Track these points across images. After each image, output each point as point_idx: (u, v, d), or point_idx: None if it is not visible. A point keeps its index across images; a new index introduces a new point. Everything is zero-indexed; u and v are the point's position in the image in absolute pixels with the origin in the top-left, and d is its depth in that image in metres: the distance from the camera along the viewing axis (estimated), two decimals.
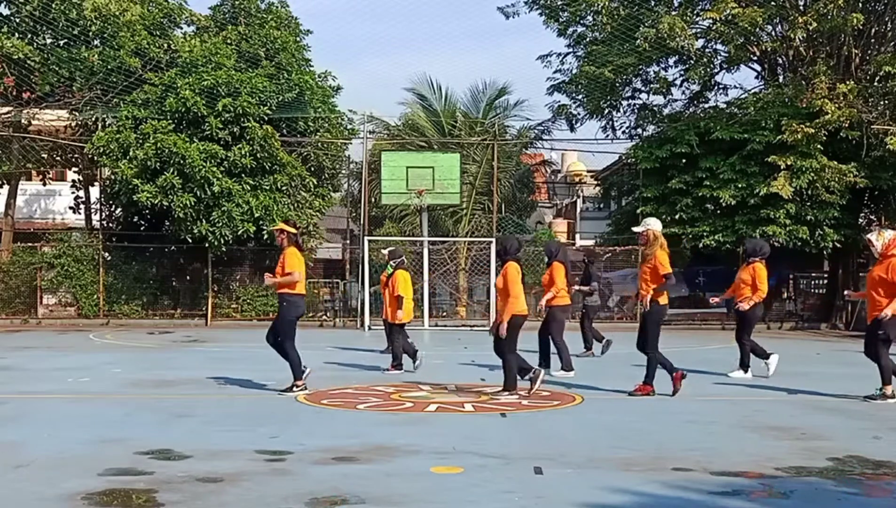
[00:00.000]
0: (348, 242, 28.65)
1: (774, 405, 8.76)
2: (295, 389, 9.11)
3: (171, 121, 21.61)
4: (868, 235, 9.44)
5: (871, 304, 9.01)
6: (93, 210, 25.96)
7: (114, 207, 25.41)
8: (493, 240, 22.39)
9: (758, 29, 22.90)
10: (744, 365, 10.85)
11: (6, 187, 24.85)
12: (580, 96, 26.65)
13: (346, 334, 20.21)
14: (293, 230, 9.27)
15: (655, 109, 26.61)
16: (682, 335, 19.83)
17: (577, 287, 13.68)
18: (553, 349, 10.97)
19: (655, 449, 6.43)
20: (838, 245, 22.51)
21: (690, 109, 26.23)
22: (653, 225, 9.17)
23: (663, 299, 9.00)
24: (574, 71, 26.37)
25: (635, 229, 9.57)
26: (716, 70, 25.85)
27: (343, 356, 13.27)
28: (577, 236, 38.43)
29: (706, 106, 26.12)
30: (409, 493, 5.15)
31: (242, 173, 21.80)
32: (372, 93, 71.17)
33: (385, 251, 12.51)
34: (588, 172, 38.51)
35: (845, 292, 15.69)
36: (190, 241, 21.94)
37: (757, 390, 9.79)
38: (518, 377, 9.01)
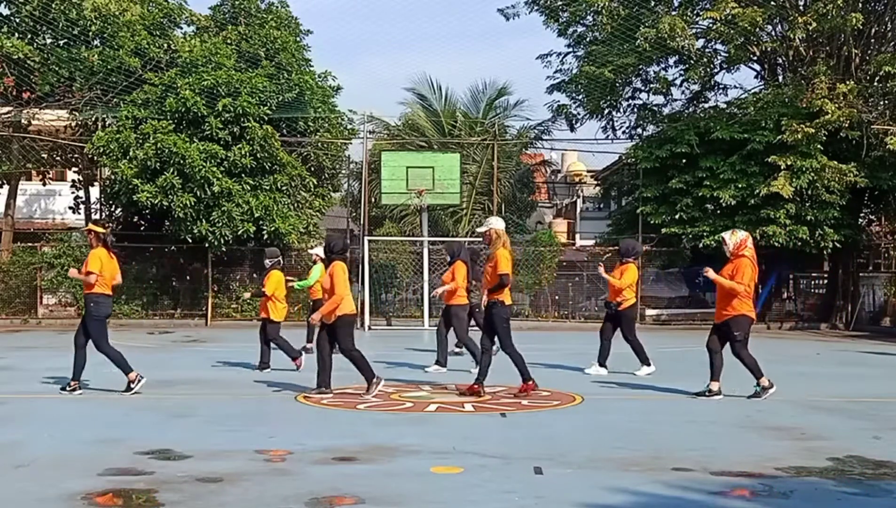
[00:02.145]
0: (348, 242, 28.63)
1: (774, 405, 8.76)
2: (133, 386, 9.09)
3: (171, 121, 21.60)
4: (723, 233, 9.60)
5: (719, 303, 9.15)
6: (93, 210, 25.94)
7: (114, 207, 25.39)
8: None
9: (758, 29, 22.88)
10: (644, 361, 11.09)
11: (6, 187, 24.84)
12: (580, 96, 26.66)
13: None
14: (101, 231, 9.39)
15: (655, 109, 26.62)
16: (682, 335, 19.84)
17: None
18: (477, 347, 11.17)
19: (655, 449, 6.43)
20: (838, 245, 22.50)
21: (690, 109, 26.24)
22: (495, 224, 9.34)
23: (507, 300, 9.21)
24: (574, 71, 26.38)
25: (479, 229, 9.77)
26: (716, 70, 25.86)
27: (343, 356, 13.23)
28: (577, 236, 38.42)
29: (706, 106, 26.12)
30: (409, 493, 5.15)
31: (242, 173, 21.80)
32: (372, 93, 71.19)
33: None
34: (588, 172, 38.51)
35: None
36: (190, 241, 21.93)
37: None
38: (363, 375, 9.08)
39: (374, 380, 8.96)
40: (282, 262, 12.19)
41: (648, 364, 11.10)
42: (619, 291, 11.25)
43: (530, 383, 9.21)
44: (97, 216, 25.74)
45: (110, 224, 10.29)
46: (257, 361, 11.63)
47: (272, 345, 11.61)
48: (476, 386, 9.09)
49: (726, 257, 9.17)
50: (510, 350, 9.16)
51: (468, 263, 11.75)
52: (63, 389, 9.23)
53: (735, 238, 9.12)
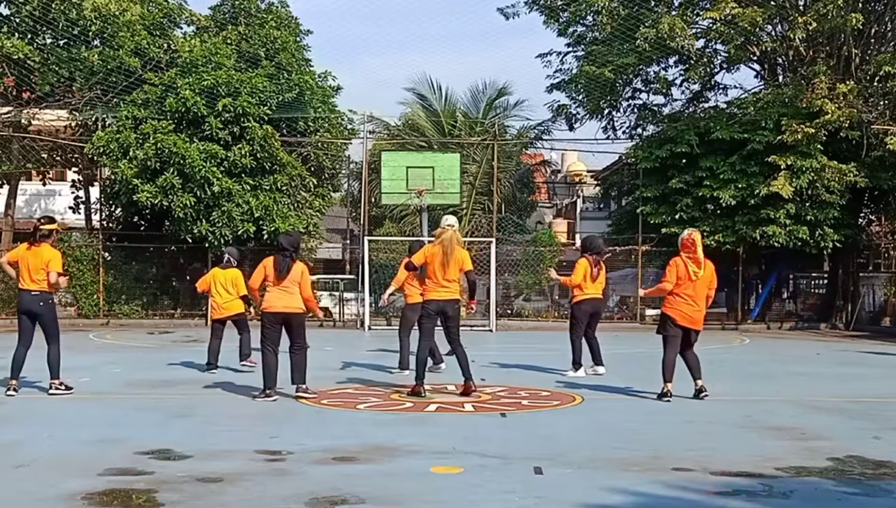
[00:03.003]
0: (348, 242, 28.68)
1: (774, 405, 8.76)
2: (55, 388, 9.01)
3: (171, 121, 21.61)
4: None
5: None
6: (93, 210, 25.95)
7: (114, 207, 25.40)
8: (493, 240, 22.40)
9: (758, 29, 22.89)
10: (575, 363, 10.95)
11: (6, 187, 24.84)
12: (580, 96, 26.66)
13: (346, 334, 20.21)
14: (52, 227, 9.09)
15: (655, 109, 26.63)
16: None
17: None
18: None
19: (655, 449, 6.42)
20: (838, 245, 22.51)
21: (690, 109, 26.25)
22: (451, 221, 9.56)
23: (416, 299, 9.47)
24: (574, 70, 26.39)
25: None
26: (716, 70, 25.87)
27: (343, 356, 13.26)
28: (577, 236, 38.41)
29: (706, 106, 26.14)
30: (409, 493, 5.15)
31: (242, 173, 21.80)
32: (372, 93, 71.25)
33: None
34: (588, 172, 38.52)
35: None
36: (190, 241, 21.93)
37: (757, 390, 9.79)
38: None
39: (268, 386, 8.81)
40: (234, 261, 12.24)
41: (577, 368, 10.95)
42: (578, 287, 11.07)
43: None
44: (97, 216, 25.77)
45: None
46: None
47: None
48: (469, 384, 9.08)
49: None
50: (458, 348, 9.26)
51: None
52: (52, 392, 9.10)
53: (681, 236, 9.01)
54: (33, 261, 8.81)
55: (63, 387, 9.07)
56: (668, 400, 8.70)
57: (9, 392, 8.85)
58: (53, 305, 9.08)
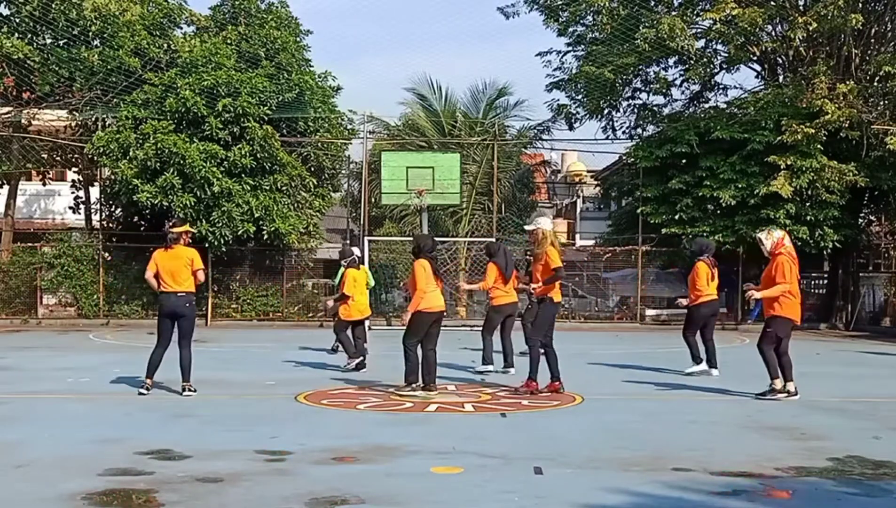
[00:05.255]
0: (348, 242, 28.63)
1: (774, 405, 8.76)
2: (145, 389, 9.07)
3: (171, 121, 21.61)
4: (758, 233, 9.67)
5: (766, 303, 9.18)
6: (93, 210, 25.95)
7: (114, 207, 25.41)
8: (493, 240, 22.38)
9: (758, 29, 22.89)
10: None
11: (6, 187, 24.85)
12: (580, 96, 26.66)
13: None
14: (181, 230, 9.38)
15: (655, 109, 26.63)
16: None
17: None
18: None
19: (655, 449, 6.42)
20: (838, 245, 22.50)
21: (690, 109, 26.25)
22: (543, 224, 9.40)
23: (557, 296, 9.30)
24: (574, 70, 26.38)
25: (527, 227, 9.69)
26: (716, 70, 25.86)
27: (343, 356, 13.24)
28: (577, 236, 38.45)
29: (706, 106, 26.13)
30: (409, 493, 5.15)
31: (242, 173, 21.80)
32: (372, 93, 71.25)
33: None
34: (588, 172, 38.53)
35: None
36: (190, 241, 21.92)
37: (757, 390, 9.77)
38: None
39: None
40: (357, 260, 12.27)
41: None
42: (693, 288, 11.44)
43: (556, 383, 9.28)
44: (97, 217, 25.77)
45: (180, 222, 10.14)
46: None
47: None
48: (532, 383, 9.21)
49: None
50: (541, 344, 9.27)
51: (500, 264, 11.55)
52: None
53: (772, 238, 9.21)
54: (174, 264, 9.12)
55: (194, 390, 9.15)
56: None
57: (141, 391, 8.99)
58: (195, 306, 9.40)
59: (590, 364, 12.75)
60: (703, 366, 11.14)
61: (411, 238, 9.91)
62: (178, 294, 9.08)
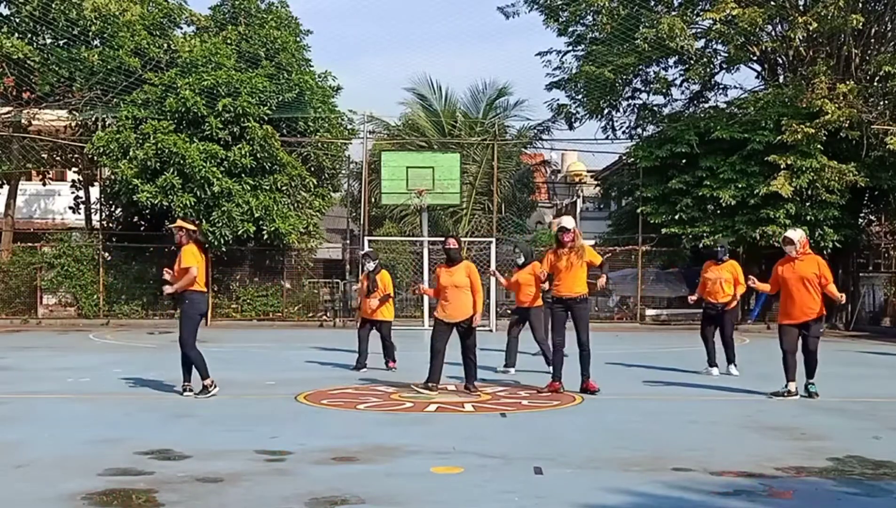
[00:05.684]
0: (348, 242, 28.64)
1: (774, 405, 8.76)
2: (210, 389, 8.94)
3: (171, 121, 21.60)
4: (788, 232, 9.89)
5: (802, 303, 9.30)
6: (93, 210, 25.95)
7: (114, 207, 25.41)
8: (493, 240, 22.40)
9: (758, 29, 22.88)
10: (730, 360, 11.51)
11: (6, 187, 24.85)
12: (580, 96, 26.65)
13: (346, 334, 20.17)
14: (192, 227, 9.38)
15: (655, 109, 26.61)
16: (682, 334, 19.84)
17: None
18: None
19: (655, 449, 6.42)
20: (838, 245, 22.48)
21: (690, 109, 26.23)
22: (571, 223, 9.60)
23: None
24: (574, 70, 26.38)
25: (566, 225, 9.63)
26: (716, 70, 25.84)
27: (343, 357, 13.26)
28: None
29: (706, 106, 26.12)
30: (409, 493, 5.15)
31: (242, 173, 21.80)
32: (372, 93, 71.19)
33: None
34: (588, 172, 38.51)
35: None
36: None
37: (757, 390, 9.78)
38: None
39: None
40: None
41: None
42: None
43: (557, 383, 9.40)
44: (97, 216, 25.77)
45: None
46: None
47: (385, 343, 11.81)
48: (556, 384, 9.34)
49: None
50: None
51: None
52: (199, 394, 8.97)
53: (802, 237, 9.61)
54: (203, 265, 9.17)
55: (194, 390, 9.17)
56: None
57: (212, 392, 8.94)
58: None
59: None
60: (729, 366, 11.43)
61: (445, 242, 9.82)
62: (205, 294, 9.36)
